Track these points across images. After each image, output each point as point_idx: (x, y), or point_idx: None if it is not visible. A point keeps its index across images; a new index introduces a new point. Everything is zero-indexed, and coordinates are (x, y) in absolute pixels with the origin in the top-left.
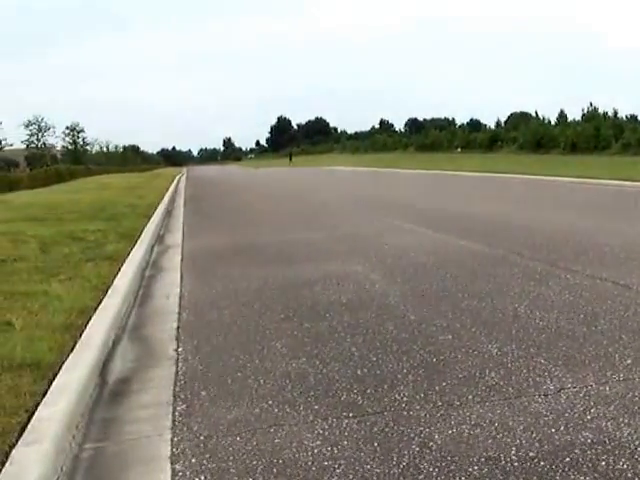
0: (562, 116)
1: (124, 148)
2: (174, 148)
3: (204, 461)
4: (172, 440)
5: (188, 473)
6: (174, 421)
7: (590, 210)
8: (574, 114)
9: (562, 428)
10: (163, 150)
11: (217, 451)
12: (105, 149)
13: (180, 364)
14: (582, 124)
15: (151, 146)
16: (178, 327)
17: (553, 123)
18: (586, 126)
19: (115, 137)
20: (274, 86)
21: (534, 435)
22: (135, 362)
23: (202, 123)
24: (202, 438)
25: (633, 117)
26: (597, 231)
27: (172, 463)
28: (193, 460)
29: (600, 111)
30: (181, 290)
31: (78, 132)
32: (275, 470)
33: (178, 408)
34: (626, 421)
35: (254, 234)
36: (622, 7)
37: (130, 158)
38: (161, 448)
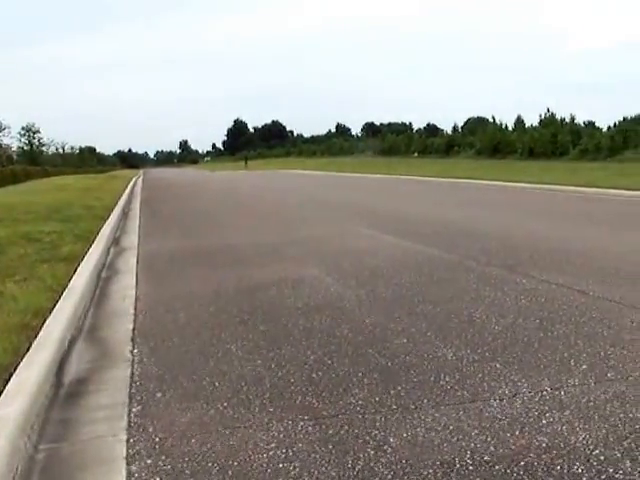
0: (520, 121)
1: (80, 149)
2: (130, 150)
3: (159, 462)
4: (128, 441)
5: (144, 474)
6: (129, 422)
7: (547, 215)
8: (532, 119)
9: (517, 432)
10: (120, 152)
11: (172, 452)
12: (61, 150)
13: (136, 366)
14: (539, 130)
15: (108, 148)
16: (134, 329)
17: (511, 128)
18: (543, 132)
19: (72, 138)
20: (231, 89)
21: (489, 439)
22: (91, 363)
23: (159, 125)
24: (157, 439)
25: (591, 123)
26: (554, 236)
27: (128, 464)
28: (148, 461)
29: (557, 117)
30: (137, 292)
31: (34, 133)
32: (230, 472)
33: (133, 409)
34: (581, 425)
35: (210, 237)
36: (582, 10)
37: (87, 160)
38: (117, 449)
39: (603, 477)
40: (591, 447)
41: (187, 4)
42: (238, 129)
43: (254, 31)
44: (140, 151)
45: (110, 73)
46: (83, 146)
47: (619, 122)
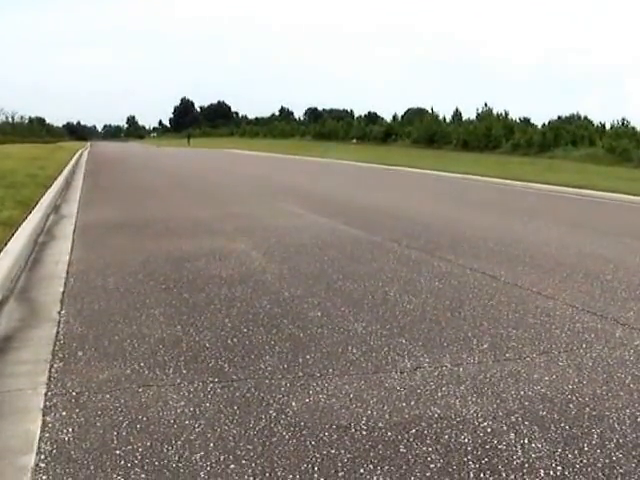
0: (457, 114)
1: (30, 120)
2: (79, 123)
3: (73, 415)
4: (46, 394)
5: (57, 425)
6: (50, 377)
7: (472, 205)
8: (471, 114)
9: (413, 403)
10: (69, 124)
11: (86, 406)
12: (11, 119)
13: (61, 325)
14: (475, 123)
15: (57, 119)
16: (64, 292)
17: (449, 120)
18: (479, 125)
19: (21, 108)
20: (181, 68)
21: (385, 408)
22: (19, 322)
23: (108, 100)
24: (74, 394)
25: (526, 119)
26: (476, 225)
27: (43, 415)
28: (63, 413)
29: (495, 112)
30: (70, 257)
31: None
32: (139, 426)
33: (55, 365)
34: (474, 400)
35: (146, 209)
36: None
37: (36, 130)
38: (35, 401)
39: (487, 447)
40: (480, 420)
41: None
42: (184, 107)
43: (206, 12)
44: (89, 124)
45: (62, 46)
46: (33, 116)
47: (553, 120)
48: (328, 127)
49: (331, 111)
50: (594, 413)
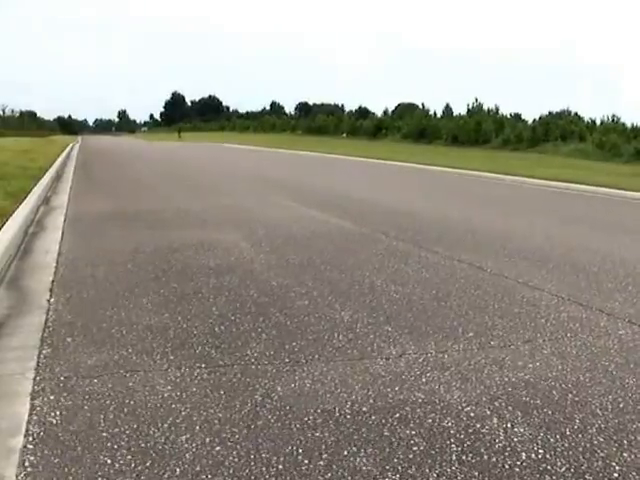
0: (448, 109)
1: (21, 113)
2: (70, 116)
3: (61, 398)
4: (34, 379)
5: (45, 408)
6: (38, 363)
7: (460, 198)
8: (463, 109)
9: (397, 388)
10: (60, 118)
11: (74, 390)
12: (2, 113)
13: (51, 313)
14: (465, 118)
15: (48, 113)
16: (53, 280)
17: (440, 115)
18: (468, 120)
19: (12, 102)
20: (171, 62)
21: (370, 393)
22: (9, 309)
23: (99, 94)
24: (62, 378)
25: (516, 115)
26: (463, 217)
27: (32, 399)
28: (52, 397)
29: (485, 107)
30: (60, 248)
31: None
32: (125, 409)
33: (44, 351)
34: (458, 385)
35: (137, 201)
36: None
37: (27, 123)
38: (23, 386)
39: (470, 431)
40: (463, 404)
41: None
42: (175, 101)
43: (197, 6)
44: (80, 118)
45: (53, 39)
46: (24, 110)
47: (544, 116)
48: (319, 122)
49: (322, 106)
50: (577, 399)
